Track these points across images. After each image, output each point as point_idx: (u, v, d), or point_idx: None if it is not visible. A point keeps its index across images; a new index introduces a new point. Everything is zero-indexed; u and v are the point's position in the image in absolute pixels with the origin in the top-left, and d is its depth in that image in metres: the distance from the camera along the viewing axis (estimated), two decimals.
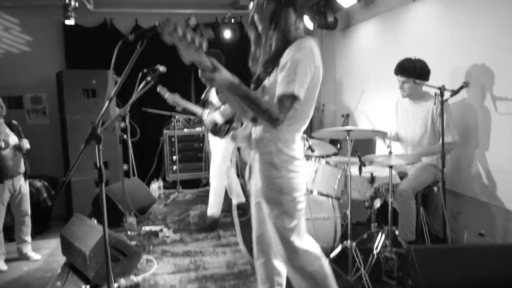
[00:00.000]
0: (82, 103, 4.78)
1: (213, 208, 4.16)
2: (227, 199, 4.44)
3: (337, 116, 5.87)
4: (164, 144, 5.97)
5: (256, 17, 1.87)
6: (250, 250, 3.57)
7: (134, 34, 1.96)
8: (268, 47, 1.87)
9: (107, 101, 2.04)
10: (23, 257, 3.98)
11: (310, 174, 3.16)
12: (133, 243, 3.73)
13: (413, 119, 3.45)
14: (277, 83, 1.78)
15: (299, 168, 1.91)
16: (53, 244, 4.41)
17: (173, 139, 5.90)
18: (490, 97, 3.09)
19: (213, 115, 3.99)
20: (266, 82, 1.86)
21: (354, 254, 2.89)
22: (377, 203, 3.14)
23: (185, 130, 6.04)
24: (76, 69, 5.50)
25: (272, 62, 1.83)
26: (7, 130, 3.67)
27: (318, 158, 3.26)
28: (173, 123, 5.75)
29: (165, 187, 5.80)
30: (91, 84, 4.81)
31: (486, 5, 3.08)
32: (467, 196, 3.42)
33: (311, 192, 3.13)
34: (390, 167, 2.93)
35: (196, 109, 4.14)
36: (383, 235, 3.02)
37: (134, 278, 2.96)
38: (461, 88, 3.03)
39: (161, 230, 4.04)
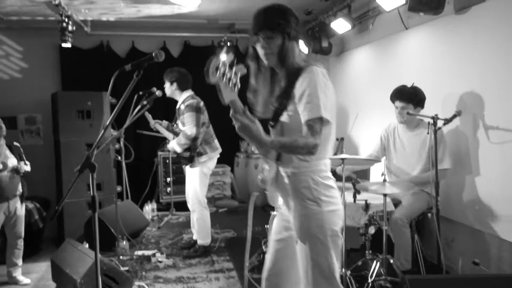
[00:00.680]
0: (77, 124, 4.77)
1: (203, 237, 4.10)
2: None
3: None
4: (158, 165, 5.95)
5: (262, 52, 1.84)
6: (243, 275, 3.53)
7: (130, 65, 1.98)
8: (278, 81, 1.86)
9: (102, 130, 2.05)
10: (12, 281, 3.89)
11: None
12: (125, 268, 3.68)
13: (409, 146, 3.48)
14: (296, 115, 1.75)
15: (337, 199, 1.85)
16: (43, 268, 4.32)
17: (167, 161, 5.89)
18: (482, 126, 3.13)
19: (172, 144, 4.01)
20: (285, 117, 1.81)
21: (349, 282, 2.87)
22: (372, 230, 3.14)
23: None
24: (71, 90, 5.51)
25: (286, 96, 1.80)
26: (7, 152, 3.64)
27: None
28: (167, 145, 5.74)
29: (158, 209, 5.74)
30: (86, 105, 4.80)
31: (477, 35, 3.15)
32: (461, 224, 3.42)
33: None
34: (385, 195, 2.94)
35: (169, 135, 4.12)
36: (378, 263, 3.00)
37: None
38: (454, 117, 3.07)
39: (154, 255, 3.99)
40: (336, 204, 1.83)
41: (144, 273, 3.66)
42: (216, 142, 4.15)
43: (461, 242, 3.49)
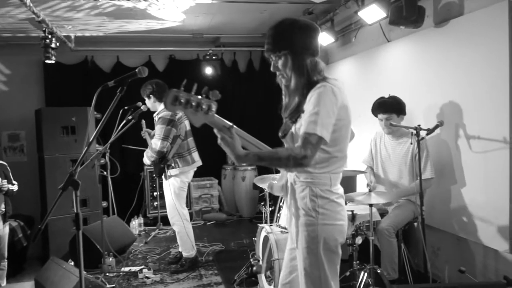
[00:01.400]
0: (61, 140, 4.72)
1: (187, 249, 4.07)
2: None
3: None
4: (144, 180, 5.91)
5: (277, 73, 1.87)
6: None
7: (114, 81, 1.99)
8: (292, 96, 1.85)
9: (86, 146, 2.04)
10: None
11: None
12: (112, 285, 3.62)
13: (394, 156, 3.53)
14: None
15: (339, 215, 1.82)
16: (27, 287, 4.24)
17: (154, 175, 5.84)
18: (463, 135, 3.19)
19: (144, 157, 4.01)
20: (293, 129, 1.82)
21: None
22: (359, 240, 3.15)
23: None
24: (55, 106, 5.46)
25: (297, 111, 1.81)
26: None
27: None
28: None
29: (145, 224, 5.69)
30: (70, 121, 4.76)
31: (455, 47, 3.23)
32: (447, 232, 3.46)
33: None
34: (370, 205, 2.97)
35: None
36: (366, 273, 3.01)
37: None
38: (436, 127, 3.13)
39: (141, 271, 3.94)
40: (336, 220, 1.80)
41: None
42: (193, 155, 4.11)
43: (447, 251, 3.53)
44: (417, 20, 3.34)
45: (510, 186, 2.81)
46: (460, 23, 3.19)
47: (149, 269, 4.03)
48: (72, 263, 3.87)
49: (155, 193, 5.84)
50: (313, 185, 1.80)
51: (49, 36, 4.35)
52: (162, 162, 3.94)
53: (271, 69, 1.90)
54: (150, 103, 4.03)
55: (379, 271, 3.03)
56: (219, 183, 6.37)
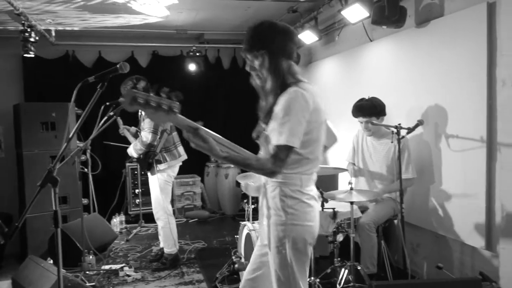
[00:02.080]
0: (41, 136, 4.62)
1: (169, 246, 4.05)
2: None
3: None
4: (126, 177, 5.85)
5: (252, 73, 1.89)
6: (214, 287, 3.51)
7: (94, 77, 1.96)
8: (266, 97, 1.88)
9: (65, 142, 2.01)
10: None
11: None
12: (92, 283, 3.58)
13: (375, 155, 3.57)
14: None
15: (308, 215, 1.84)
16: (4, 286, 4.15)
17: (135, 172, 5.79)
18: (443, 135, 3.25)
19: (130, 149, 4.00)
20: (267, 131, 1.84)
21: None
22: (340, 238, 3.19)
23: None
24: (35, 101, 5.35)
25: (270, 112, 1.82)
26: None
27: None
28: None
29: (127, 222, 5.64)
30: (50, 117, 4.66)
31: (436, 47, 3.28)
32: (426, 229, 3.53)
33: None
34: (351, 203, 3.00)
35: (136, 143, 4.08)
36: (346, 270, 3.05)
37: None
38: (416, 126, 3.18)
39: (122, 269, 3.90)
40: (305, 220, 1.82)
41: (111, 287, 3.58)
42: (179, 149, 4.12)
43: (426, 247, 3.59)
44: (399, 20, 3.38)
45: (486, 185, 2.88)
46: (440, 23, 3.24)
47: (130, 267, 3.99)
48: (51, 261, 3.80)
49: (137, 190, 5.78)
50: (283, 185, 1.83)
51: (28, 30, 4.25)
52: (151, 157, 3.91)
53: (247, 68, 1.92)
54: None
55: (359, 267, 3.07)
56: (202, 181, 6.35)
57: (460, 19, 3.04)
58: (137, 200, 5.75)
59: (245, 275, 2.04)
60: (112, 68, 2.00)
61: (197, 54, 5.96)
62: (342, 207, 3.33)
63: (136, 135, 4.19)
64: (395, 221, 3.66)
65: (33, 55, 4.50)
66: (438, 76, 3.28)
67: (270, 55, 1.82)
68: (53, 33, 5.24)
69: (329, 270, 3.19)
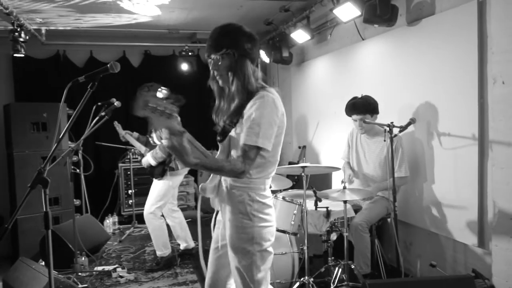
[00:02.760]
0: (32, 137, 4.58)
1: (160, 248, 4.03)
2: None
3: (294, 148, 5.97)
4: (119, 177, 5.81)
5: (215, 73, 1.90)
6: None
7: (84, 76, 1.94)
8: (231, 99, 1.88)
9: (56, 143, 1.98)
10: None
11: None
12: (84, 285, 3.55)
13: (369, 153, 3.57)
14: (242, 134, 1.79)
15: (270, 216, 1.91)
16: None
17: (128, 172, 5.75)
18: (435, 133, 3.26)
19: (147, 157, 3.97)
20: (233, 133, 1.86)
21: None
22: (333, 237, 3.19)
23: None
24: (25, 101, 5.30)
25: (236, 114, 1.84)
26: None
27: (274, 193, 3.28)
28: (129, 156, 5.62)
29: (120, 223, 5.59)
30: (41, 117, 4.62)
31: (428, 45, 3.29)
32: (419, 227, 3.54)
33: None
34: (345, 202, 3.00)
35: (141, 147, 4.06)
36: (340, 269, 3.05)
37: None
38: (409, 124, 3.19)
39: (115, 270, 3.87)
40: (269, 222, 1.89)
41: None
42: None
43: (419, 245, 3.61)
44: (391, 18, 3.39)
45: (478, 182, 2.90)
46: (431, 22, 3.26)
47: (123, 268, 3.96)
48: (43, 263, 3.76)
49: (130, 191, 5.74)
50: (249, 190, 1.86)
51: (18, 29, 4.21)
52: (166, 164, 3.89)
53: (210, 67, 1.91)
54: None
55: (353, 266, 3.08)
56: (195, 181, 6.33)
57: (451, 17, 3.05)
58: (130, 201, 5.71)
59: (207, 281, 2.05)
60: (102, 68, 1.98)
61: (190, 53, 5.94)
62: (336, 206, 3.34)
63: (141, 140, 4.16)
64: (388, 220, 3.67)
65: (23, 55, 4.46)
66: (430, 74, 3.29)
67: (238, 56, 1.84)
68: (44, 33, 5.19)
69: (323, 269, 3.19)
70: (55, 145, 1.96)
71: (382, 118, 3.60)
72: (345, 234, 3.06)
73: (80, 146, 4.25)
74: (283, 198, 3.22)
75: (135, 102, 1.54)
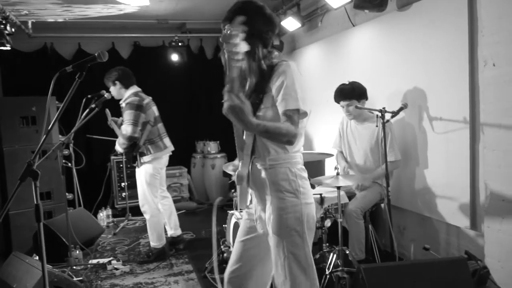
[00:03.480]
0: (21, 131, 4.52)
1: (155, 240, 4.01)
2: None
3: None
4: (111, 170, 5.77)
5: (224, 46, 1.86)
6: (203, 277, 3.50)
7: (72, 66, 1.91)
8: (243, 78, 1.81)
9: (44, 135, 1.95)
10: None
11: None
12: (79, 278, 3.54)
13: (359, 139, 3.58)
14: (270, 109, 1.76)
15: (311, 192, 1.87)
16: None
17: (121, 165, 5.72)
18: (427, 118, 3.27)
19: (116, 144, 3.93)
20: (260, 111, 1.79)
21: None
22: (328, 223, 3.20)
23: None
24: (14, 95, 5.22)
25: (260, 91, 1.79)
26: None
27: None
28: None
29: (114, 215, 5.57)
30: (30, 111, 4.55)
31: (418, 30, 3.28)
32: (412, 212, 3.57)
33: None
34: (338, 188, 3.01)
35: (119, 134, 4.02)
36: (335, 255, 3.06)
37: None
38: (400, 109, 3.19)
39: (109, 262, 3.86)
40: (311, 197, 1.86)
41: (99, 282, 3.54)
42: (165, 140, 4.03)
43: (412, 230, 3.64)
44: (381, 4, 3.37)
45: (470, 165, 2.91)
46: (422, 6, 3.24)
47: (118, 261, 3.95)
48: (37, 257, 3.74)
49: (122, 184, 5.71)
50: (291, 166, 1.81)
51: (3, 22, 4.12)
52: (134, 149, 3.85)
53: (221, 39, 1.81)
54: (116, 90, 3.92)
55: (347, 252, 3.09)
56: (189, 172, 6.31)
57: (441, 0, 3.04)
58: (124, 194, 5.69)
59: (229, 272, 1.97)
60: (90, 57, 1.95)
61: (180, 44, 5.88)
62: (329, 193, 3.34)
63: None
64: (382, 205, 3.69)
65: (9, 48, 4.38)
66: (421, 58, 3.28)
67: (250, 36, 1.76)
68: (30, 25, 5.10)
69: (317, 256, 3.20)
70: (44, 136, 1.93)
71: (374, 103, 3.61)
72: (339, 220, 3.07)
73: (71, 140, 4.21)
74: None
75: (225, 40, 1.50)
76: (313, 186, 3.10)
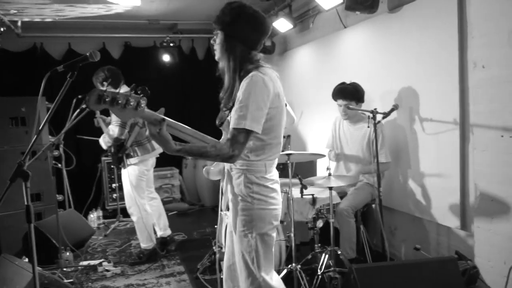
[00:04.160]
0: (10, 132, 4.45)
1: (144, 241, 3.99)
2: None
3: None
4: (102, 171, 5.73)
5: (217, 53, 1.89)
6: (195, 278, 3.48)
7: (63, 66, 1.89)
8: (224, 80, 1.87)
9: (35, 135, 1.93)
10: None
11: None
12: (70, 280, 3.50)
13: (351, 140, 3.60)
14: None
15: (273, 200, 1.89)
16: None
17: (111, 166, 5.67)
18: (417, 119, 3.30)
19: (100, 140, 3.92)
20: (229, 117, 1.83)
21: (300, 276, 2.92)
22: (320, 224, 3.22)
23: None
24: (2, 96, 5.15)
25: (230, 97, 1.82)
26: None
27: None
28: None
29: (104, 217, 5.52)
30: (20, 112, 4.49)
31: (409, 32, 3.31)
32: (403, 212, 3.59)
33: None
34: (330, 188, 3.02)
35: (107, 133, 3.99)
36: (326, 255, 3.07)
37: None
38: (392, 110, 3.21)
39: (100, 264, 3.83)
40: (271, 205, 1.88)
41: (90, 283, 3.51)
42: (153, 142, 4.00)
43: (403, 230, 3.66)
44: (372, 5, 3.39)
45: (460, 166, 2.95)
46: (412, 8, 3.27)
47: (109, 262, 3.92)
48: (26, 259, 3.69)
49: (113, 185, 5.67)
50: (248, 172, 1.85)
51: None
52: (120, 151, 3.81)
53: (211, 40, 1.91)
54: None
55: (339, 252, 3.11)
56: (180, 173, 6.29)
57: (432, 2, 3.07)
58: (114, 195, 5.65)
59: (224, 263, 2.09)
60: (82, 57, 1.93)
61: (171, 44, 5.86)
62: (321, 193, 3.36)
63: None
64: (373, 206, 3.71)
65: None
66: (411, 60, 3.31)
67: (225, 37, 1.83)
68: (19, 25, 5.05)
69: (309, 256, 3.22)
70: (35, 137, 1.91)
71: (365, 104, 3.62)
72: (331, 221, 3.08)
73: (61, 140, 4.17)
74: None
75: (88, 97, 1.50)
76: (305, 187, 3.11)
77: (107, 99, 1.51)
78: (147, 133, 1.67)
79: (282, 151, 4.37)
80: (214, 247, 3.65)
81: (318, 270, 3.02)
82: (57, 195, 4.60)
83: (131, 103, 1.56)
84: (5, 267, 2.98)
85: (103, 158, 5.68)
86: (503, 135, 2.52)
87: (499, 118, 2.54)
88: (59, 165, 4.39)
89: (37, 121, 3.14)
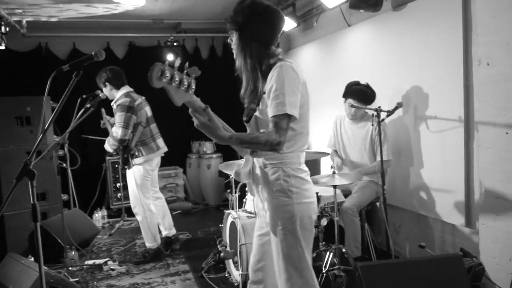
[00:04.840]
0: (16, 131, 4.48)
1: (149, 240, 4.01)
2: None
3: None
4: (107, 171, 5.75)
5: (234, 53, 1.87)
6: (200, 277, 3.50)
7: (69, 65, 1.90)
8: (245, 78, 1.85)
9: (41, 134, 1.94)
10: None
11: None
12: (75, 279, 3.52)
13: (354, 138, 3.59)
14: (267, 110, 1.75)
15: (309, 192, 1.86)
16: None
17: (116, 166, 5.70)
18: (422, 116, 3.29)
19: (105, 144, 3.92)
20: (257, 112, 1.82)
21: None
22: (324, 222, 3.21)
23: None
24: (8, 95, 5.18)
25: (255, 93, 1.81)
26: None
27: None
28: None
29: (109, 216, 5.55)
30: (25, 111, 4.52)
31: (413, 30, 3.30)
32: (407, 210, 3.59)
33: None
34: (334, 187, 3.02)
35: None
36: (331, 253, 3.07)
37: None
38: (396, 108, 3.21)
39: (106, 263, 3.85)
40: (308, 197, 1.84)
41: (95, 282, 3.52)
42: (158, 141, 4.01)
43: (408, 228, 3.66)
44: (376, 3, 3.39)
45: (465, 163, 2.94)
46: (416, 6, 3.26)
47: (114, 261, 3.93)
48: (32, 258, 3.72)
49: (118, 184, 5.69)
50: (284, 166, 1.81)
51: None
52: (125, 151, 3.82)
53: (228, 40, 1.91)
54: (107, 91, 3.90)
55: (344, 250, 3.11)
56: (184, 172, 6.30)
57: (436, 0, 3.06)
58: (119, 194, 5.67)
59: (251, 266, 2.03)
60: (87, 56, 1.94)
61: (175, 44, 5.87)
62: (325, 191, 3.35)
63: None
64: (378, 204, 3.71)
65: (3, 48, 4.35)
66: (416, 58, 3.31)
67: (240, 36, 1.82)
68: (24, 25, 5.07)
69: (314, 254, 3.21)
70: (40, 136, 1.92)
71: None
72: (335, 219, 3.08)
73: (65, 140, 4.19)
74: None
75: (150, 72, 1.43)
76: None
77: (167, 75, 1.45)
78: (195, 124, 1.60)
79: None
80: (218, 246, 3.66)
81: (323, 268, 3.02)
82: (62, 195, 4.63)
83: (185, 84, 1.50)
84: (11, 266, 3.00)
85: (107, 158, 5.71)
86: (508, 132, 2.52)
87: (504, 115, 2.54)
88: (64, 164, 4.41)
89: (43, 120, 3.15)
